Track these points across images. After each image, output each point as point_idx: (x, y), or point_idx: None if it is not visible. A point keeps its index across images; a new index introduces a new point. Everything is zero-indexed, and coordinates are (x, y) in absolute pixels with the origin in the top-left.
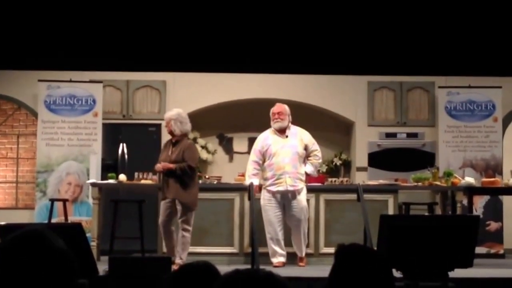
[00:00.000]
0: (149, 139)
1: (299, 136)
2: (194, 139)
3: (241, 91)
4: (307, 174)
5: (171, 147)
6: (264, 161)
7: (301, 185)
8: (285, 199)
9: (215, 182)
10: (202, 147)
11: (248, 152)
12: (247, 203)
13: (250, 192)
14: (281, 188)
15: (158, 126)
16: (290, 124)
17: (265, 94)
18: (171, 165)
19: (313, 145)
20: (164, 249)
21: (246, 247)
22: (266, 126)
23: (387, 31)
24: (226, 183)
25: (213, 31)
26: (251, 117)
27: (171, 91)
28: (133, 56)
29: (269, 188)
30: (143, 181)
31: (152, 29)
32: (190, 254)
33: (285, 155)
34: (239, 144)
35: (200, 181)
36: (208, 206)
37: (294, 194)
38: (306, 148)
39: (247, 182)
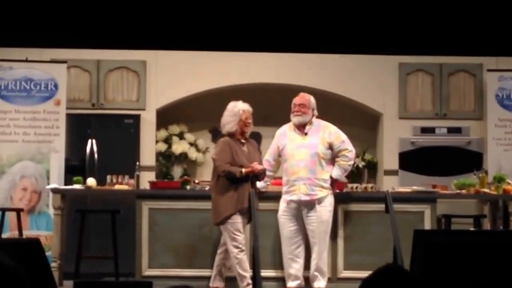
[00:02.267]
0: (125, 134)
1: (322, 133)
2: (181, 134)
3: (240, 74)
4: (333, 179)
5: (242, 147)
6: (281, 161)
7: (322, 194)
8: (302, 210)
9: (206, 188)
10: (191, 144)
11: None
12: None
13: (251, 199)
14: (294, 197)
15: (137, 117)
16: (313, 119)
17: (271, 78)
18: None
19: (342, 143)
20: (146, 272)
21: None
22: (274, 118)
23: (423, 1)
24: None
25: None
26: (253, 107)
27: (152, 74)
28: (105, 30)
29: (284, 196)
30: (117, 187)
31: None
32: (174, 278)
33: (300, 158)
34: None
35: (188, 187)
36: (197, 218)
37: (311, 204)
38: (331, 147)
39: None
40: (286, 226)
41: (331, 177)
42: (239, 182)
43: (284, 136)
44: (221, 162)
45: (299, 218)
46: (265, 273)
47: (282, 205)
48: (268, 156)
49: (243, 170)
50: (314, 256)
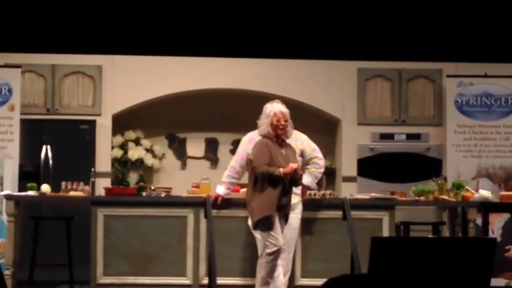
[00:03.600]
0: (80, 140)
1: (294, 141)
2: (137, 140)
3: (197, 80)
4: (303, 187)
5: (280, 149)
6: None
7: (295, 200)
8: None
9: (162, 195)
10: (147, 150)
11: (205, 158)
12: (203, 222)
13: (206, 207)
14: None
15: (92, 123)
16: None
17: (228, 84)
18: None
19: (313, 151)
20: (101, 280)
21: (201, 277)
22: (232, 124)
23: (382, 6)
24: (177, 196)
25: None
26: (210, 112)
27: (108, 79)
28: (60, 34)
29: None
30: (72, 193)
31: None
32: (129, 286)
33: None
34: (194, 147)
35: (144, 193)
36: (154, 225)
37: None
38: (302, 154)
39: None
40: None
41: (302, 184)
42: (276, 184)
43: (253, 143)
44: (259, 163)
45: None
46: (220, 280)
47: None
48: (234, 163)
49: (281, 170)
50: (282, 262)
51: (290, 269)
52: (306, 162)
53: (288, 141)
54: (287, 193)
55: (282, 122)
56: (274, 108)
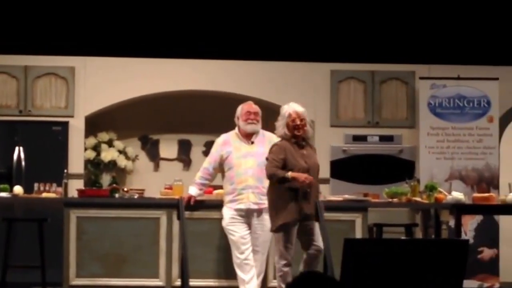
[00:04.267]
0: (53, 141)
1: (268, 143)
2: (110, 142)
3: (170, 81)
4: None
5: (300, 150)
6: (221, 171)
7: None
8: (250, 218)
9: (135, 197)
10: (120, 151)
11: (178, 159)
12: (176, 223)
13: (179, 208)
14: (242, 206)
15: (65, 124)
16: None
17: (201, 85)
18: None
19: None
20: (74, 281)
21: (174, 279)
22: (205, 126)
23: (355, 8)
24: (150, 197)
25: (134, 3)
26: (183, 114)
27: (81, 80)
28: (33, 35)
29: (229, 205)
30: (45, 195)
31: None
32: None
33: (248, 166)
34: (167, 148)
35: (117, 195)
36: (127, 227)
37: (258, 212)
38: None
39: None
40: (238, 231)
41: None
42: (297, 191)
43: (228, 145)
44: (269, 165)
45: (248, 225)
46: (194, 282)
47: (229, 212)
48: (207, 165)
49: (290, 173)
50: (255, 263)
51: (263, 271)
52: None
53: (260, 142)
54: (306, 200)
55: (298, 122)
56: (290, 108)
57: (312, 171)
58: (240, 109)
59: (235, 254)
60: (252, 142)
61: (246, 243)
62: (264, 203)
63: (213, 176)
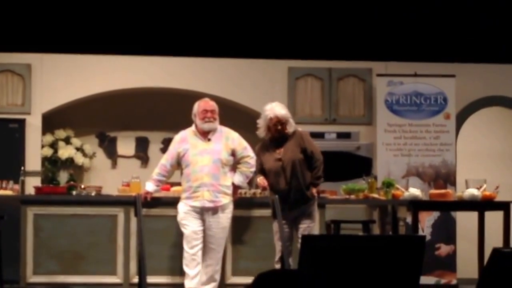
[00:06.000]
0: (9, 139)
1: (225, 139)
2: (67, 139)
3: (127, 78)
4: (235, 186)
5: (276, 149)
6: (180, 168)
7: (225, 201)
8: (204, 215)
9: (93, 194)
10: (77, 149)
11: (136, 156)
12: (134, 220)
13: (136, 206)
14: (197, 204)
15: (22, 122)
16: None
17: (158, 82)
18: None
19: (244, 149)
20: (31, 279)
21: (132, 276)
22: (163, 123)
23: (312, 5)
24: (107, 194)
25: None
26: (140, 111)
27: (37, 77)
28: None
29: (185, 201)
30: (1, 192)
31: None
32: (59, 285)
33: (204, 163)
34: (124, 145)
35: (74, 192)
36: (84, 224)
37: (214, 211)
38: (233, 153)
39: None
40: (191, 225)
41: (233, 183)
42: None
43: (185, 142)
44: (255, 167)
45: (202, 221)
46: (151, 279)
47: (184, 208)
48: (164, 161)
49: (258, 179)
50: (210, 262)
51: (220, 269)
52: (237, 161)
53: (217, 139)
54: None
55: (279, 127)
56: (271, 112)
57: (287, 166)
58: (197, 107)
59: (185, 248)
60: (209, 139)
61: (197, 238)
62: (220, 200)
63: (170, 173)
